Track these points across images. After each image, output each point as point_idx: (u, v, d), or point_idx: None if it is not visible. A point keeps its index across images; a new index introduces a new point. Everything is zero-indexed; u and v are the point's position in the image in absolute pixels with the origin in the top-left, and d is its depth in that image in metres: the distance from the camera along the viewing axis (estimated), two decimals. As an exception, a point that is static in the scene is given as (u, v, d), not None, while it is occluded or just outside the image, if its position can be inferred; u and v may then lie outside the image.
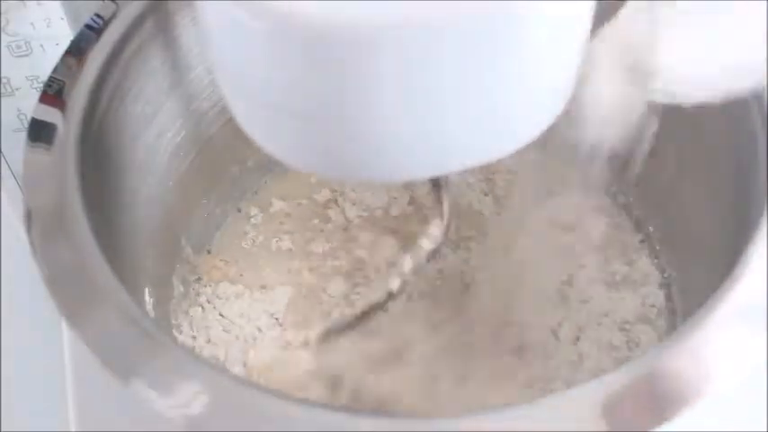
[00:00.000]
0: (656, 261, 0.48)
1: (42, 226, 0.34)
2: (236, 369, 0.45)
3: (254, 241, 0.50)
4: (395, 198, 0.51)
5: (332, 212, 0.51)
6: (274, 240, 0.50)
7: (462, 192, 0.50)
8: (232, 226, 0.50)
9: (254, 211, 0.51)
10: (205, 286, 0.48)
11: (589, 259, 0.47)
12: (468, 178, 0.50)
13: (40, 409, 0.43)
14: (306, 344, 0.44)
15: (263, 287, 0.48)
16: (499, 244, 0.48)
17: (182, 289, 0.46)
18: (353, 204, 0.51)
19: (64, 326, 0.41)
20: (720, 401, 0.29)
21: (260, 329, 0.46)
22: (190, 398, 0.29)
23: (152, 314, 0.41)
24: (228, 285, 0.48)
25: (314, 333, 0.44)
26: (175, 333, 0.45)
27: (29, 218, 0.34)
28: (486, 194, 0.50)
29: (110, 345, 0.30)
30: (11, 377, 0.44)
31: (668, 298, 0.46)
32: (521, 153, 0.48)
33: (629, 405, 0.28)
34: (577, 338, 0.45)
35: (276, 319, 0.47)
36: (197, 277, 0.48)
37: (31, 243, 0.33)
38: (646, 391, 0.29)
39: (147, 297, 0.41)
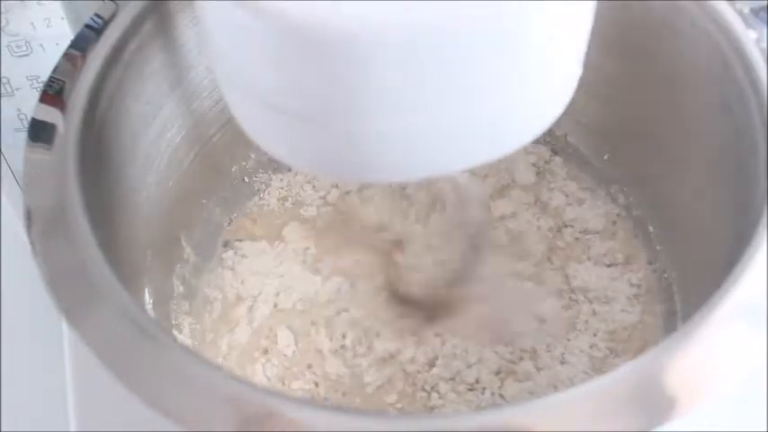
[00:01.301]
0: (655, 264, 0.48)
1: (42, 226, 0.34)
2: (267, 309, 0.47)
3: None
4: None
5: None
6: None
7: (530, 229, 0.49)
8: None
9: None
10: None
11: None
12: (542, 223, 0.50)
13: (40, 409, 0.43)
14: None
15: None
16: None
17: (181, 289, 0.46)
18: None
19: (64, 326, 0.41)
20: (720, 401, 0.29)
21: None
22: (189, 398, 0.29)
23: (152, 314, 0.41)
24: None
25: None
26: (175, 333, 0.45)
27: (29, 218, 0.34)
28: (549, 248, 0.49)
29: (110, 345, 0.30)
30: (11, 377, 0.44)
31: (668, 298, 0.46)
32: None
33: (630, 405, 0.28)
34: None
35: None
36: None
37: (31, 243, 0.33)
38: (646, 391, 0.29)
39: (147, 297, 0.42)
